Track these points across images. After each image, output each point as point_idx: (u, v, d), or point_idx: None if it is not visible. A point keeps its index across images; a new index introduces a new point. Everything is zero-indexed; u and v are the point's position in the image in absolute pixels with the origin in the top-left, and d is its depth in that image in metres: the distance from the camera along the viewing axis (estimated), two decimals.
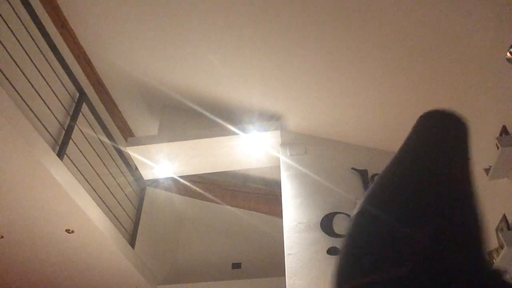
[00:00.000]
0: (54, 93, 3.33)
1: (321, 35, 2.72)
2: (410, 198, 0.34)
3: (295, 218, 2.98)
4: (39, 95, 3.08)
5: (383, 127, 3.17)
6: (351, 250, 0.36)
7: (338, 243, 2.79)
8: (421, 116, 0.39)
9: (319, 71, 3.00)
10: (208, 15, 2.93)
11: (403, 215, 0.34)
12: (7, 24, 2.85)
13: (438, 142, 0.38)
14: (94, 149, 3.85)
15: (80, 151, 3.57)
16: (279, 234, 3.09)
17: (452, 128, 0.38)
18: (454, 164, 0.37)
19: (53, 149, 3.08)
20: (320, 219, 2.92)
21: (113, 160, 4.20)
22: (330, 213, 2.93)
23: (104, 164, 3.96)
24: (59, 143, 3.30)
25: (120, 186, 4.22)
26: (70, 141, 3.40)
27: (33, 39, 3.15)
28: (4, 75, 2.72)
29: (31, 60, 3.06)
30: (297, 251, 2.81)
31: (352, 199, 3.00)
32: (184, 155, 3.64)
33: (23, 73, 2.94)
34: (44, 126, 3.08)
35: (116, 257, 3.78)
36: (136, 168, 3.95)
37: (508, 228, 2.22)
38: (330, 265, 2.71)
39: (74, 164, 3.39)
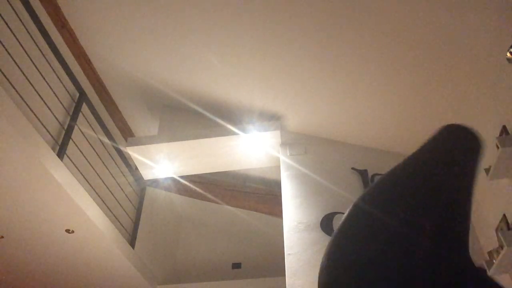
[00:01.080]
0: (54, 93, 3.33)
1: (322, 35, 2.72)
2: (412, 199, 0.35)
3: (295, 218, 2.98)
4: (39, 95, 3.08)
5: (383, 127, 3.17)
6: (343, 244, 0.36)
7: None
8: (440, 128, 0.39)
9: (319, 71, 3.00)
10: (208, 15, 2.93)
11: (405, 215, 0.35)
12: (7, 24, 2.85)
13: (448, 152, 0.39)
14: (94, 149, 3.85)
15: (80, 151, 3.57)
16: (279, 234, 3.09)
17: (466, 141, 0.39)
18: (458, 174, 0.38)
19: (53, 149, 3.08)
20: (320, 219, 2.92)
21: (113, 160, 4.20)
22: (330, 213, 2.93)
23: (104, 164, 3.96)
24: (59, 143, 3.30)
25: (120, 186, 4.21)
26: (70, 141, 3.40)
27: (33, 39, 3.15)
28: (4, 75, 2.72)
29: (31, 60, 3.06)
30: (297, 251, 2.81)
31: (352, 199, 2.99)
32: (184, 155, 3.64)
33: (23, 73, 2.94)
34: (44, 126, 3.08)
35: (116, 257, 3.78)
36: (136, 168, 3.95)
37: (508, 228, 2.22)
38: None
39: (74, 164, 3.39)
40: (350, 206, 0.39)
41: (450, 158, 0.39)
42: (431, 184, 0.36)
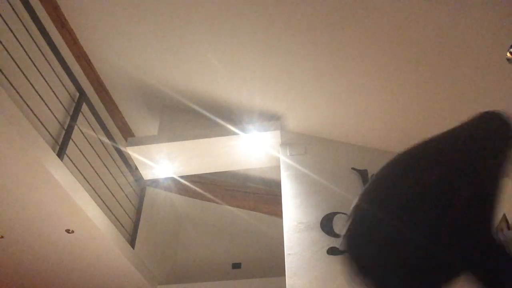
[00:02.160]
0: (54, 93, 3.33)
1: (322, 35, 2.72)
2: (453, 164, 0.36)
3: (295, 218, 2.98)
4: (39, 95, 3.08)
5: (383, 127, 3.17)
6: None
7: (338, 243, 2.79)
8: (477, 114, 0.40)
9: (319, 71, 3.00)
10: (209, 15, 2.93)
11: (446, 175, 0.35)
12: (7, 24, 2.85)
13: (484, 135, 0.40)
14: (94, 149, 3.85)
15: (80, 151, 3.57)
16: (279, 234, 3.09)
17: (499, 128, 0.40)
18: (491, 156, 0.39)
19: (53, 149, 3.08)
20: (320, 219, 2.92)
21: (113, 160, 4.20)
22: (330, 213, 2.93)
23: (104, 164, 3.96)
24: (59, 143, 3.30)
25: (120, 186, 4.22)
26: (70, 141, 3.40)
27: (33, 39, 3.15)
28: (4, 75, 2.72)
29: (31, 60, 3.06)
30: (297, 251, 2.81)
31: (352, 199, 3.00)
32: (184, 155, 3.64)
33: (23, 73, 2.94)
34: (44, 126, 3.08)
35: (116, 257, 3.78)
36: (136, 168, 3.95)
37: (508, 228, 2.22)
38: (330, 265, 2.71)
39: (74, 164, 3.39)
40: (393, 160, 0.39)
41: (485, 141, 0.40)
42: (467, 159, 0.37)
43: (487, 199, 0.36)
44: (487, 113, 0.39)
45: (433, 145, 0.38)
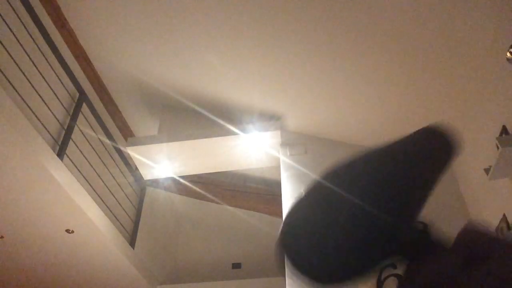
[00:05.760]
0: (54, 93, 3.33)
1: (322, 35, 2.72)
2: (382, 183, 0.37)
3: None
4: (39, 95, 3.08)
5: (383, 127, 3.17)
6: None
7: None
8: (420, 128, 0.41)
9: (319, 71, 3.00)
10: (208, 15, 2.93)
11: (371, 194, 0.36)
12: (7, 24, 2.85)
13: (422, 150, 0.41)
14: (94, 149, 3.84)
15: (80, 151, 3.56)
16: None
17: (441, 144, 0.40)
18: (426, 172, 0.40)
19: (53, 149, 3.08)
20: None
21: (113, 160, 4.20)
22: None
23: (104, 164, 3.96)
24: (59, 143, 3.30)
25: (120, 186, 4.21)
26: (70, 141, 3.40)
27: (33, 39, 3.15)
28: (4, 75, 2.72)
29: (31, 60, 3.06)
30: None
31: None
32: (184, 155, 3.64)
33: (23, 73, 2.94)
34: (44, 126, 3.08)
35: (116, 257, 3.78)
36: (136, 168, 3.95)
37: (508, 228, 2.22)
38: None
39: (74, 164, 3.39)
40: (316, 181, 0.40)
41: (421, 155, 0.40)
42: (400, 174, 0.38)
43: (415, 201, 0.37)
44: (430, 129, 0.40)
45: (370, 158, 0.39)
